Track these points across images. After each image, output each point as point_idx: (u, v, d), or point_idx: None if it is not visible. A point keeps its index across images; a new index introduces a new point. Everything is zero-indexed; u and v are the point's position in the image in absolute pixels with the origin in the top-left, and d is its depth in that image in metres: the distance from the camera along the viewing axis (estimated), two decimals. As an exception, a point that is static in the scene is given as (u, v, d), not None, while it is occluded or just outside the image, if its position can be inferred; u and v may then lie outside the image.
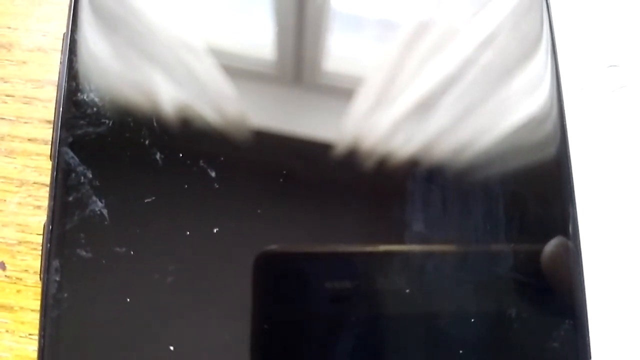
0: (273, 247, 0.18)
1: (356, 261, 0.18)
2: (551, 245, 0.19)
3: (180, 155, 0.18)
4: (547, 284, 0.19)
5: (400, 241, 0.18)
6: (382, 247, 0.18)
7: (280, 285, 0.18)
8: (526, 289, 0.19)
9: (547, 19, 0.21)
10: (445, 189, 0.19)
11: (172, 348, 0.17)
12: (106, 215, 0.17)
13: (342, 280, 0.18)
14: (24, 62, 0.22)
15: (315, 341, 0.18)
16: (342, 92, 0.20)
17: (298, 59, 0.20)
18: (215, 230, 0.18)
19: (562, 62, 0.21)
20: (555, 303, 0.19)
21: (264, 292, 0.18)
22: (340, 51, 0.20)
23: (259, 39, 0.20)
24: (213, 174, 0.18)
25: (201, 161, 0.18)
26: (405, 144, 0.19)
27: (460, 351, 0.18)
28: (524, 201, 0.19)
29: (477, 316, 0.18)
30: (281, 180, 0.18)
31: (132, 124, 0.18)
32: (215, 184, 0.18)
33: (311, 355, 0.18)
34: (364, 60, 0.20)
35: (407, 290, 0.18)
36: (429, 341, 0.18)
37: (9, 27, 0.22)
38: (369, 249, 0.18)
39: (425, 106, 0.20)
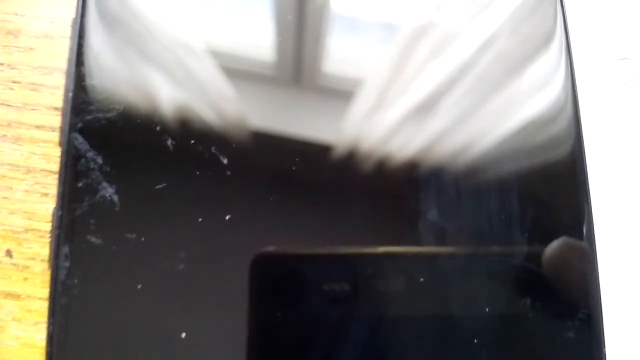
0: (269, 248, 0.18)
1: (354, 263, 0.18)
2: (551, 248, 0.18)
3: (192, 141, 0.18)
4: (553, 284, 0.18)
5: (400, 243, 0.18)
6: (381, 249, 0.18)
7: (276, 286, 0.18)
8: (538, 287, 0.18)
9: (561, 13, 0.21)
10: (455, 189, 0.19)
11: (183, 335, 0.17)
12: (117, 201, 0.17)
13: (341, 282, 0.18)
14: (31, 49, 0.22)
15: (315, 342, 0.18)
16: (344, 94, 0.19)
17: (298, 60, 0.20)
18: (227, 217, 0.17)
19: (574, 55, 0.21)
20: (568, 300, 0.19)
21: (260, 293, 0.17)
22: (344, 53, 0.20)
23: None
24: (225, 161, 0.18)
25: (213, 148, 0.18)
26: (413, 145, 0.19)
27: (475, 341, 0.18)
28: (539, 197, 0.19)
29: (481, 317, 0.18)
30: (279, 181, 0.18)
31: (142, 110, 0.18)
32: (227, 171, 0.18)
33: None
34: (366, 62, 0.20)
35: (408, 292, 0.18)
36: (434, 340, 0.18)
37: (16, 14, 0.22)
38: (368, 250, 0.18)
39: (433, 107, 0.19)
